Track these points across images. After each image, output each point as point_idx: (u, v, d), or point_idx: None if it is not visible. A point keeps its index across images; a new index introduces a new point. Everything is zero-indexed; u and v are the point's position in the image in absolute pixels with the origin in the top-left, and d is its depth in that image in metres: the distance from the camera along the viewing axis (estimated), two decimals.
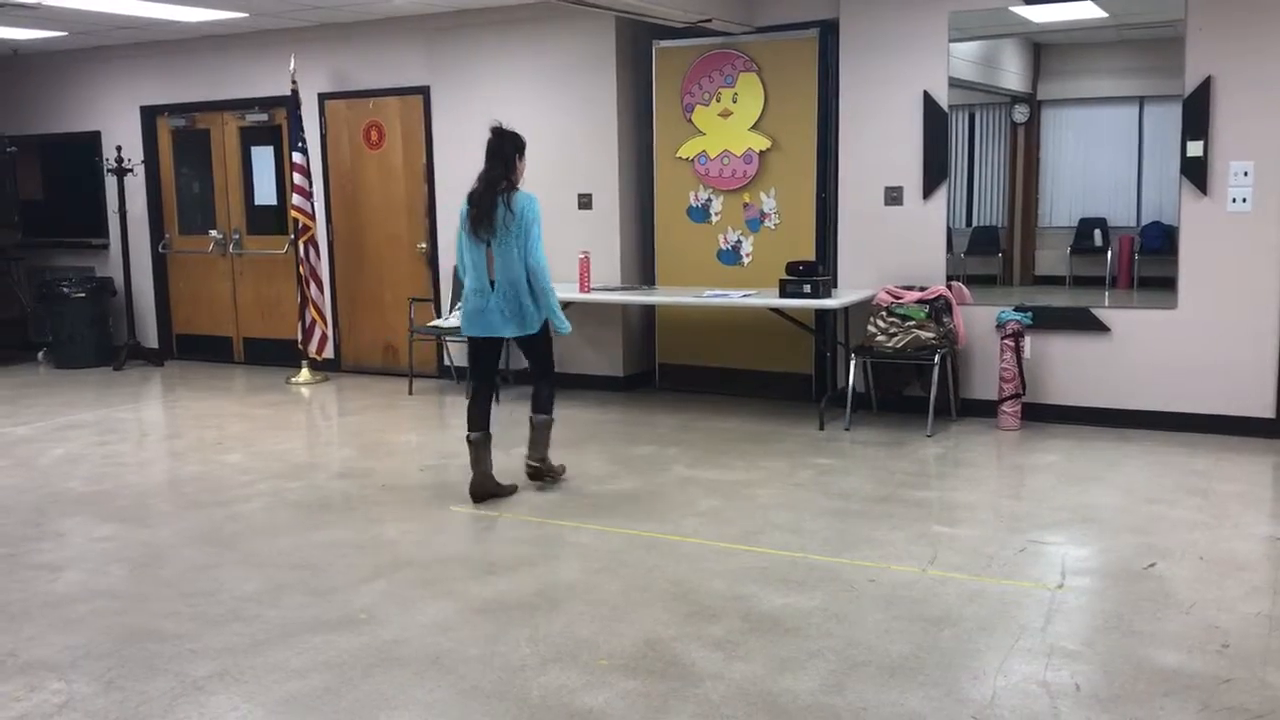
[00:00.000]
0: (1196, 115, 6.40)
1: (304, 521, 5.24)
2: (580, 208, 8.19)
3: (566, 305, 8.03)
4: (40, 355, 10.38)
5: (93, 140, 10.33)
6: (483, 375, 5.70)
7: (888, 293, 7.08)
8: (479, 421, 5.57)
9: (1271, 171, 6.28)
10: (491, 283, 5.37)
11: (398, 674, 3.54)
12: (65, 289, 10.00)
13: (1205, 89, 6.36)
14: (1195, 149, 6.43)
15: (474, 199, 5.39)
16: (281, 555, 4.74)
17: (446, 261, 8.89)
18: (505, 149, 5.44)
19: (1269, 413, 6.42)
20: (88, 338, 10.04)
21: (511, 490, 5.64)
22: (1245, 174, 6.34)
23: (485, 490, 5.53)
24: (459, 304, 5.63)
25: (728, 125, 7.79)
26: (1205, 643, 3.66)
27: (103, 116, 10.31)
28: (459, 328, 8.21)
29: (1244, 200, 6.36)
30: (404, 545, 4.85)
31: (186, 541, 4.97)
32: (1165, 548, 4.60)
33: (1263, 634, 3.72)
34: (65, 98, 10.48)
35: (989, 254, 10.34)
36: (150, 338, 10.37)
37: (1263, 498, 5.41)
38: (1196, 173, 6.44)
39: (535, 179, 8.35)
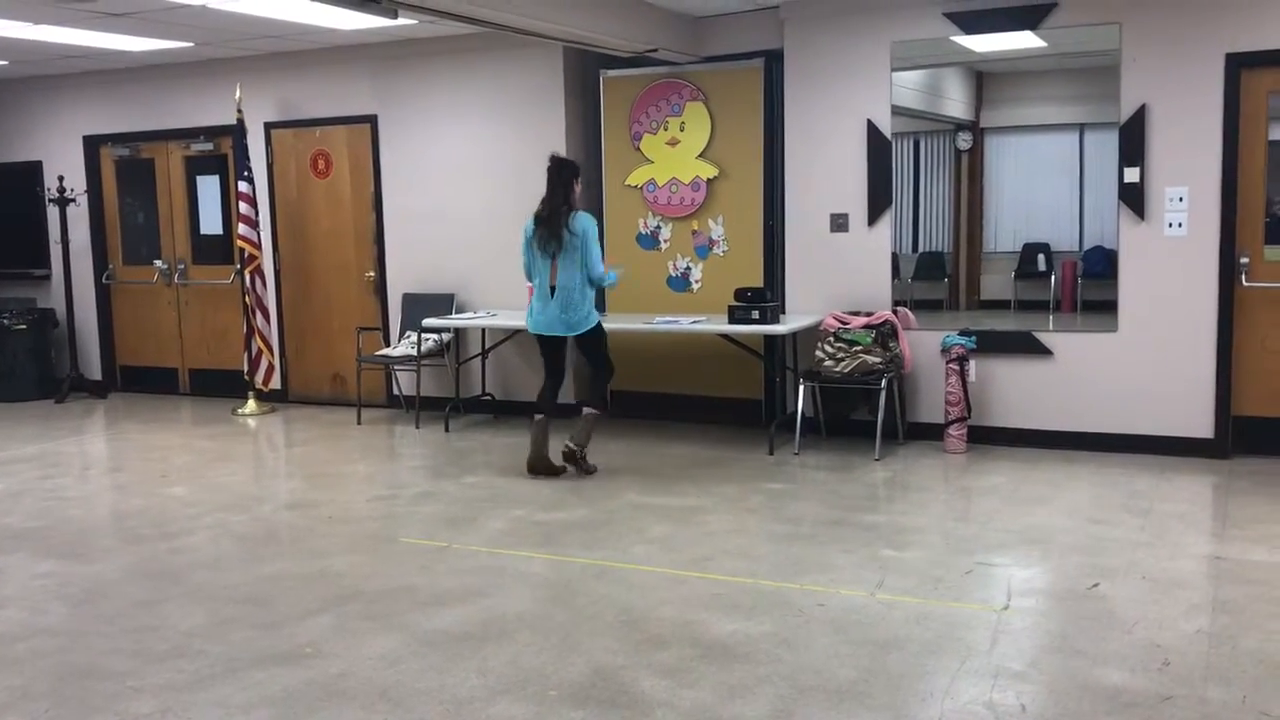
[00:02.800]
0: (1132, 142, 6.55)
1: (250, 554, 5.17)
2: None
3: (516, 333, 8.07)
4: None
5: (34, 170, 10.18)
6: (549, 368, 6.57)
7: (835, 318, 7.14)
8: (543, 406, 6.49)
9: (1205, 196, 6.43)
10: (552, 289, 6.25)
11: (345, 708, 3.50)
12: (5, 321, 9.82)
13: (1140, 116, 6.51)
14: (1132, 175, 6.57)
15: (540, 220, 6.29)
16: (226, 589, 4.68)
17: (395, 290, 8.87)
18: (564, 175, 6.29)
19: (1207, 433, 6.54)
20: (29, 370, 9.87)
21: (561, 471, 6.44)
22: (1180, 199, 6.48)
23: (539, 467, 6.45)
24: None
25: (676, 153, 7.85)
26: (1147, 661, 3.71)
27: (44, 146, 10.18)
28: (408, 355, 8.23)
29: (1180, 225, 6.50)
30: (351, 577, 4.80)
31: (129, 577, 4.88)
32: (1109, 568, 4.67)
33: (1202, 651, 3.78)
34: (5, 127, 10.33)
35: (935, 279, 10.47)
36: (94, 370, 10.22)
37: (1202, 517, 5.51)
38: (1134, 198, 6.57)
39: (483, 207, 8.42)
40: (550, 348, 6.49)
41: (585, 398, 6.51)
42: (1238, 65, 6.31)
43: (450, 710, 3.47)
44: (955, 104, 10.05)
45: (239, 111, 8.79)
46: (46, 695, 3.66)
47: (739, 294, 7.00)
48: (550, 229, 6.22)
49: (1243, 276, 6.43)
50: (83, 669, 3.87)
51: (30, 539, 5.52)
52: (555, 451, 6.49)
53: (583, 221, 6.24)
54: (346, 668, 3.81)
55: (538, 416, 6.47)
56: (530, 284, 6.46)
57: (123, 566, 5.04)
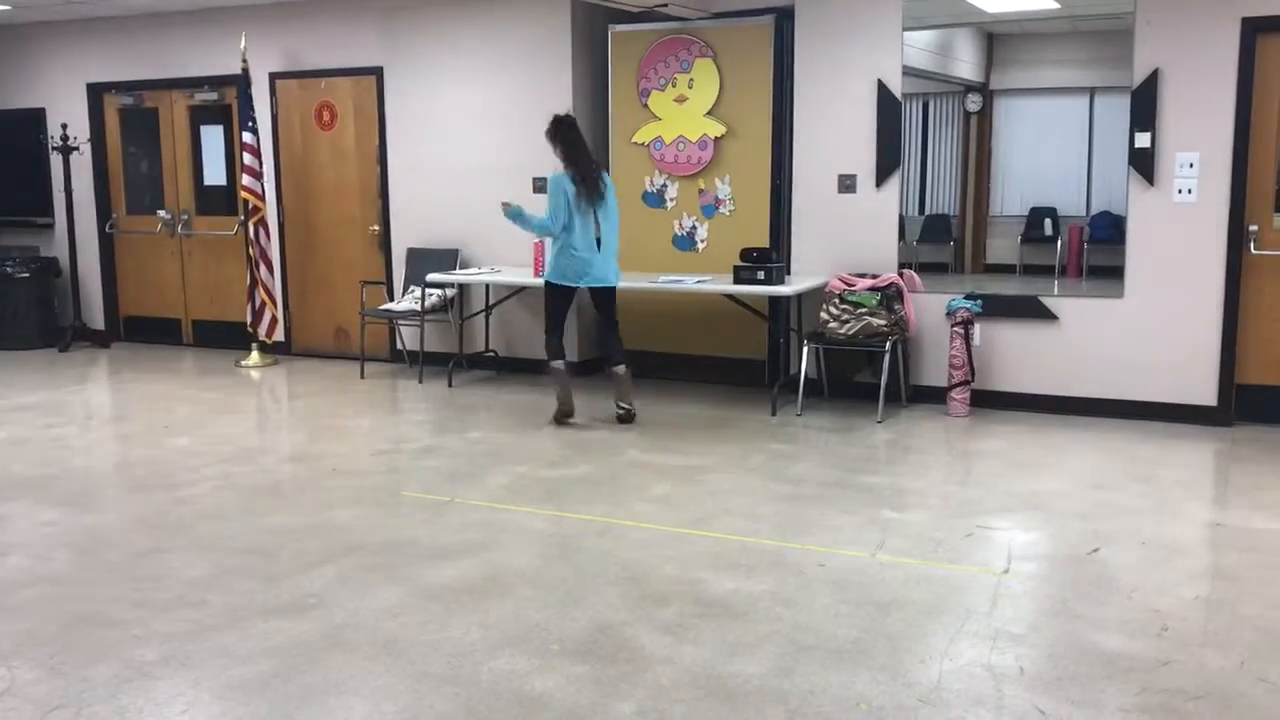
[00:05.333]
0: (1144, 107, 6.49)
1: (253, 506, 5.19)
2: (536, 192, 8.15)
3: (522, 289, 8.05)
4: None
5: (37, 117, 10.13)
6: (563, 319, 6.81)
7: (840, 280, 7.12)
8: (563, 356, 6.80)
9: (1216, 163, 6.38)
10: (598, 241, 6.57)
11: (347, 659, 3.53)
12: (9, 269, 9.82)
13: (1153, 81, 6.45)
14: (1143, 140, 6.52)
15: (581, 178, 6.51)
16: (230, 540, 4.70)
17: (399, 244, 8.84)
18: (579, 133, 6.59)
19: (1211, 401, 6.54)
20: (32, 319, 9.87)
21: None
22: (1191, 165, 6.44)
23: (570, 414, 6.82)
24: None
25: (683, 111, 7.79)
26: (1146, 626, 3.73)
27: (47, 93, 10.11)
28: (412, 310, 8.22)
29: (1189, 191, 6.46)
30: (354, 530, 4.82)
31: (133, 526, 4.91)
32: (1109, 533, 4.68)
33: (1201, 617, 3.80)
34: (8, 74, 10.26)
35: (941, 242, 10.42)
36: (97, 319, 10.21)
37: (1204, 484, 5.52)
38: (1144, 164, 6.53)
39: (490, 162, 8.36)
40: (569, 300, 6.75)
41: (615, 355, 6.81)
42: (1254, 30, 6.24)
43: (452, 662, 3.49)
44: (965, 65, 9.96)
45: (244, 61, 8.72)
46: (52, 641, 3.69)
47: (745, 254, 6.98)
48: (591, 186, 6.52)
49: (1251, 244, 6.40)
50: (87, 616, 3.90)
51: (34, 487, 5.54)
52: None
53: (608, 179, 6.70)
54: (349, 619, 3.84)
55: (561, 365, 6.74)
56: (545, 239, 6.84)
57: (126, 516, 5.06)
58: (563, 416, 6.77)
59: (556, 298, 6.70)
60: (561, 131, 6.53)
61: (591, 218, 6.53)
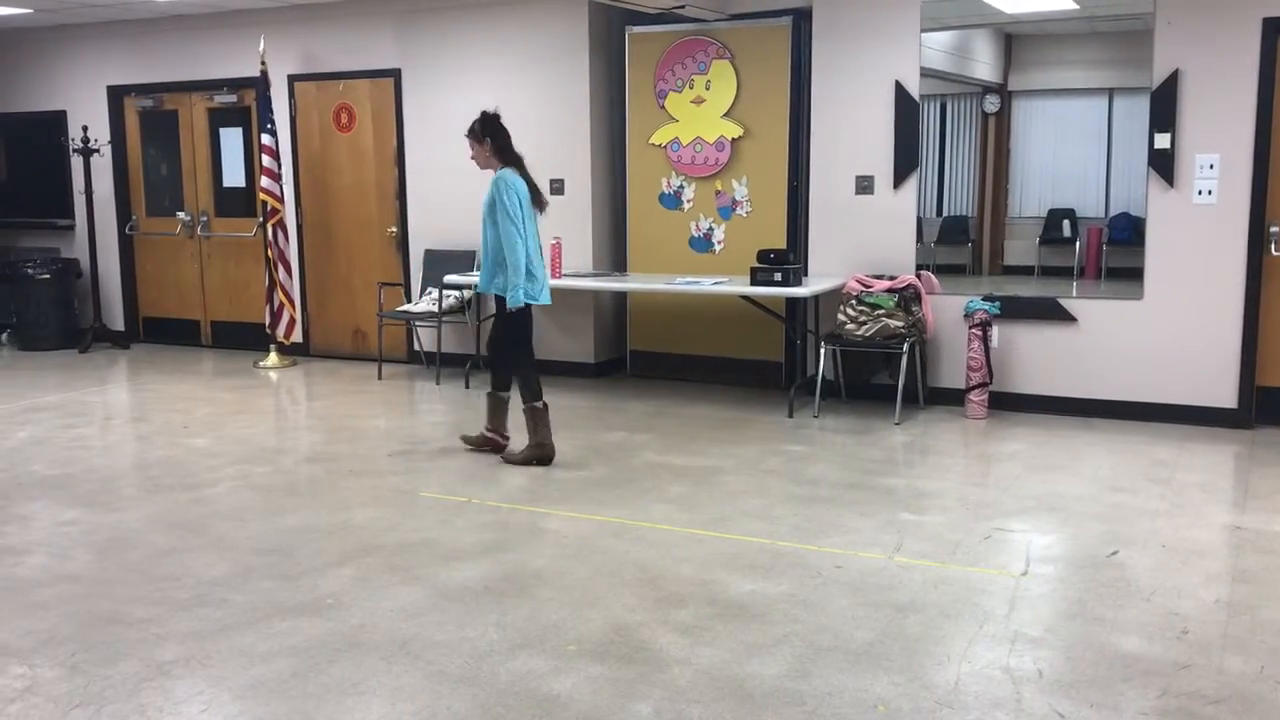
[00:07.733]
0: (1164, 108, 6.46)
1: (271, 506, 5.21)
2: (552, 193, 8.17)
3: None
4: (3, 337, 10.27)
5: (58, 120, 10.20)
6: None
7: (858, 281, 7.11)
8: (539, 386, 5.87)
9: (1236, 164, 6.35)
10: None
11: (365, 659, 3.54)
12: (30, 270, 9.89)
13: (1173, 82, 6.41)
14: (1163, 141, 6.49)
15: (527, 179, 5.71)
16: (248, 540, 4.72)
17: (417, 246, 8.86)
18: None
19: (1231, 403, 6.50)
20: (53, 320, 9.94)
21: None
22: (1211, 167, 6.40)
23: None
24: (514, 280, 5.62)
25: (700, 112, 7.79)
26: (1165, 629, 3.71)
27: (68, 96, 10.18)
28: (429, 312, 8.24)
29: (1209, 193, 6.43)
30: (372, 531, 4.84)
31: (152, 526, 4.93)
32: (1128, 536, 4.66)
33: (1221, 621, 3.78)
34: (30, 77, 10.34)
35: (959, 243, 10.40)
36: (116, 320, 10.27)
37: (1223, 487, 5.48)
38: (1164, 165, 6.50)
39: None
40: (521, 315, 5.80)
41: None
42: (1275, 30, 6.20)
43: (469, 662, 3.50)
44: (983, 66, 9.94)
45: (262, 64, 8.77)
46: (72, 640, 3.71)
47: (761, 255, 6.97)
48: (535, 188, 5.75)
49: (1272, 246, 6.35)
50: (107, 615, 3.92)
51: (54, 487, 5.58)
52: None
53: None
54: (367, 619, 3.85)
55: (541, 404, 5.84)
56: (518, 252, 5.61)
57: (146, 516, 5.09)
58: (546, 459, 5.84)
59: (530, 322, 5.83)
60: (495, 123, 5.75)
61: (534, 225, 5.71)
